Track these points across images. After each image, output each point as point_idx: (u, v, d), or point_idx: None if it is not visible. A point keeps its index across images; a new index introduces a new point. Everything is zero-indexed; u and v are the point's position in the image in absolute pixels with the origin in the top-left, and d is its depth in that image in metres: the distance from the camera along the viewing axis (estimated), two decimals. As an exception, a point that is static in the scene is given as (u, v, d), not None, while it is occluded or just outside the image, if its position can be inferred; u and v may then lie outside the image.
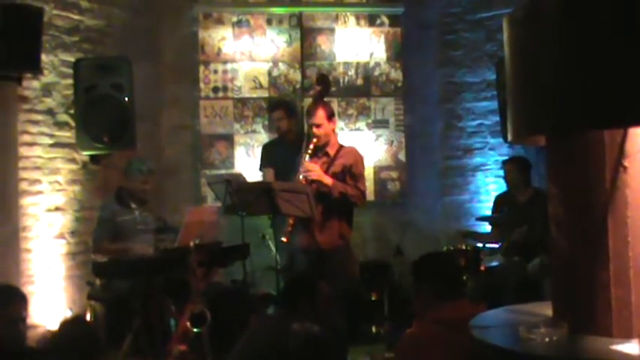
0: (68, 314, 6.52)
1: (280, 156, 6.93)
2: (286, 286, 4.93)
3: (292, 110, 7.05)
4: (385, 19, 8.58)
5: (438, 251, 4.36)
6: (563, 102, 2.87)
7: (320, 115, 5.96)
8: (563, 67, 2.87)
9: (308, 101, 7.65)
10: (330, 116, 6.03)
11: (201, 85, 8.25)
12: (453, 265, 4.29)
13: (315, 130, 5.96)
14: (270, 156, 7.22)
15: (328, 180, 5.87)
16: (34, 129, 6.63)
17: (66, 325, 4.15)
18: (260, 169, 7.43)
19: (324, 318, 4.22)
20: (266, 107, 8.18)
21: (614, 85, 2.74)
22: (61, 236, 6.82)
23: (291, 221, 5.92)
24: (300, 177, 5.93)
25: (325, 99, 6.61)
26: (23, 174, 6.51)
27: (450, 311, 3.78)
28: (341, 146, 6.14)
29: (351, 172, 5.97)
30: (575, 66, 2.83)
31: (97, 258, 6.32)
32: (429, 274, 4.03)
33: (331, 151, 6.03)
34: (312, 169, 5.88)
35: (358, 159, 6.12)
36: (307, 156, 5.95)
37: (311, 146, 5.97)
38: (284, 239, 5.92)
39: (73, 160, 6.96)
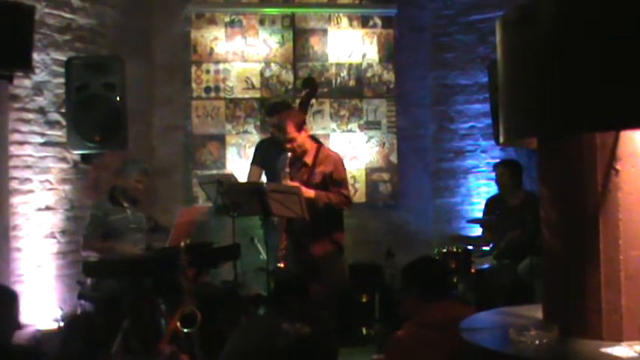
0: (59, 314, 6.51)
1: (273, 156, 6.90)
2: (277, 285, 4.91)
3: None
4: (378, 21, 8.58)
5: (423, 256, 4.39)
6: (555, 104, 2.87)
7: (290, 129, 5.84)
8: (555, 69, 2.87)
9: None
10: (300, 126, 5.89)
11: (194, 85, 8.24)
12: (438, 268, 4.30)
13: (288, 145, 5.90)
14: (263, 155, 7.20)
15: (310, 193, 5.75)
16: (25, 128, 6.61)
17: (70, 319, 4.16)
18: (251, 165, 7.38)
19: (314, 319, 4.22)
20: (263, 109, 8.11)
21: (607, 88, 2.74)
22: (52, 235, 6.80)
23: (283, 244, 5.90)
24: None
25: (315, 100, 6.58)
26: (14, 173, 6.49)
27: (436, 313, 3.78)
28: (318, 150, 6.00)
29: (332, 178, 5.84)
30: (567, 68, 2.83)
31: (85, 255, 6.31)
32: (414, 279, 4.04)
33: (308, 159, 5.90)
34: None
35: (338, 164, 5.98)
36: (287, 173, 5.92)
37: (287, 161, 5.93)
38: (281, 265, 5.89)
39: (64, 160, 6.94)
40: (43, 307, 6.55)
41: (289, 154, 5.94)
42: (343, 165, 6.08)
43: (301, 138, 5.89)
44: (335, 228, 5.97)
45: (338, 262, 6.07)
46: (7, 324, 4.22)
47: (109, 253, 6.19)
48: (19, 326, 4.44)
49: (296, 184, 5.81)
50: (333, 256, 5.95)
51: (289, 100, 8.04)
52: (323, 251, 5.88)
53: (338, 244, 5.97)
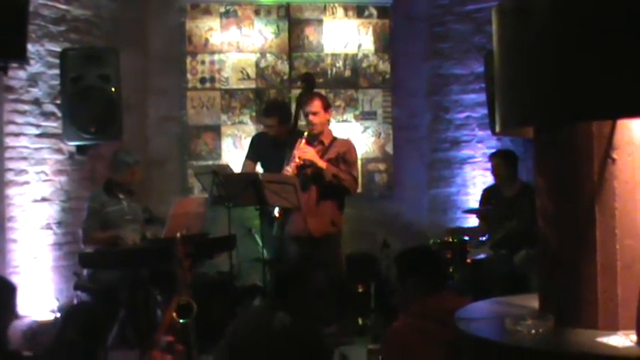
0: (55, 305, 6.51)
1: (268, 150, 6.91)
2: (277, 276, 4.91)
3: (286, 117, 6.92)
4: (373, 11, 8.56)
5: (420, 244, 4.39)
6: (552, 93, 2.87)
7: (317, 104, 6.16)
8: (551, 58, 2.86)
9: (295, 92, 7.65)
10: (327, 107, 6.25)
11: (189, 75, 8.22)
12: (436, 258, 4.30)
13: (311, 117, 6.11)
14: (257, 149, 7.19)
15: (322, 163, 5.99)
16: (20, 119, 6.60)
17: (67, 310, 4.14)
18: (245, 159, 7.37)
19: (314, 310, 4.22)
20: (260, 107, 8.06)
21: (603, 77, 2.73)
22: (48, 227, 6.80)
23: None
24: (294, 154, 6.04)
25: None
26: (9, 164, 6.49)
27: (434, 304, 3.78)
28: (335, 137, 6.35)
29: (344, 158, 6.18)
30: (563, 57, 2.83)
31: (88, 249, 6.30)
32: (413, 268, 4.03)
33: (326, 140, 6.26)
34: (306, 150, 5.98)
35: (352, 148, 6.33)
36: (303, 140, 6.05)
37: (305, 134, 6.07)
38: (276, 214, 6.05)
39: (59, 151, 6.93)
40: (39, 298, 6.55)
41: (309, 127, 6.18)
42: (356, 151, 6.46)
43: (324, 117, 6.22)
44: (336, 209, 6.12)
45: (337, 247, 6.16)
46: (4, 315, 4.22)
47: (112, 242, 6.19)
48: (16, 317, 4.45)
49: (310, 148, 5.95)
50: (333, 239, 6.05)
51: (284, 91, 8.06)
52: (323, 232, 5.97)
53: (337, 226, 6.09)
